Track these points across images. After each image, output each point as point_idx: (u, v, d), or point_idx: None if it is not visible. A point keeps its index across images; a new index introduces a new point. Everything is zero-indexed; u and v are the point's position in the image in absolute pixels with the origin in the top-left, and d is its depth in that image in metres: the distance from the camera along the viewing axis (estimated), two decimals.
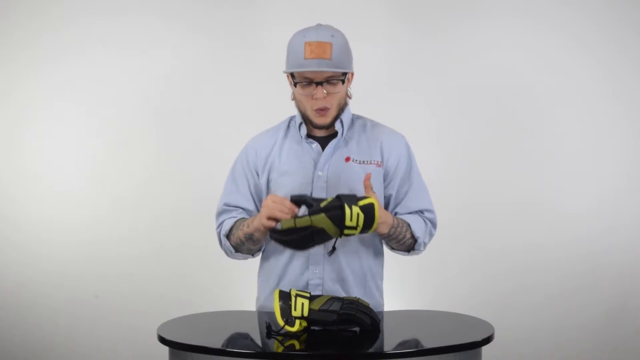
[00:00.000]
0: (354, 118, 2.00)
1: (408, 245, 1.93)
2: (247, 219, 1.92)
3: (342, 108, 1.92)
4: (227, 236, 1.93)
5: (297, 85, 1.86)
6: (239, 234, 1.89)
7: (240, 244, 1.91)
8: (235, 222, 1.93)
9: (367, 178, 1.78)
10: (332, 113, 1.89)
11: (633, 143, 3.26)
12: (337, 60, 1.82)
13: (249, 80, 3.28)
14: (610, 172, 3.25)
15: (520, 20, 3.27)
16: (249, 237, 1.87)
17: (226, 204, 1.98)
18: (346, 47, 1.87)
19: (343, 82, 1.87)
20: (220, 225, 1.97)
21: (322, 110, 1.86)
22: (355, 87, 1.97)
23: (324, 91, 1.83)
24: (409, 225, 1.89)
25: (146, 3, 3.31)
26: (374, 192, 1.78)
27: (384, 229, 1.83)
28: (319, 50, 1.81)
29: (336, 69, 1.82)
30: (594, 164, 3.26)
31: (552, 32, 3.26)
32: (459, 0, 3.30)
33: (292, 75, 1.87)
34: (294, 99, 1.94)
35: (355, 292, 1.91)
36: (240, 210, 1.97)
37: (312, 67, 1.81)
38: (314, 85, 1.83)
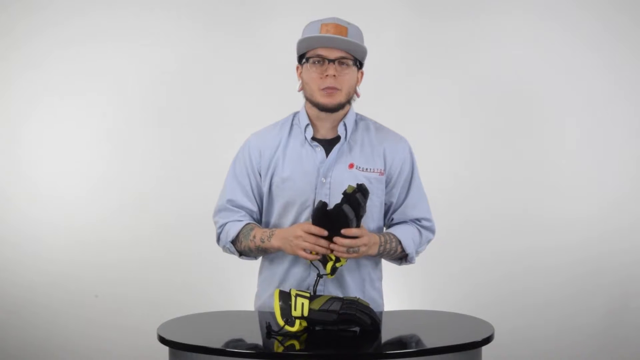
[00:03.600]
0: (357, 119, 1.99)
1: (399, 257, 1.94)
2: (256, 227, 1.91)
3: (349, 100, 1.91)
4: (233, 242, 1.92)
5: (308, 65, 1.86)
6: (249, 244, 1.89)
7: (249, 251, 1.92)
8: (242, 228, 1.91)
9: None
10: (340, 97, 1.87)
11: (635, 146, 3.26)
12: (350, 45, 1.84)
13: (254, 81, 3.27)
14: (611, 175, 3.25)
15: (529, 17, 3.27)
16: (263, 250, 1.89)
17: (230, 201, 1.96)
18: (361, 39, 1.88)
19: (356, 64, 1.87)
20: (222, 226, 1.96)
21: (331, 89, 1.85)
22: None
23: (335, 70, 1.83)
24: (399, 241, 1.90)
25: None
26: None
27: (373, 252, 1.84)
28: (336, 30, 1.84)
29: (351, 46, 1.83)
30: (595, 167, 3.26)
31: (561, 31, 3.26)
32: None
33: (300, 59, 1.89)
34: (301, 89, 1.93)
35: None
36: (244, 213, 1.95)
37: (327, 39, 1.81)
38: (326, 62, 1.83)
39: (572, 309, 3.22)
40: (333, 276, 1.78)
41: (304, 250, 1.75)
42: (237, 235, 1.91)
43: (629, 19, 3.24)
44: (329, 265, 1.75)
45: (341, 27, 1.84)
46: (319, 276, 1.76)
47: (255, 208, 1.96)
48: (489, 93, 3.28)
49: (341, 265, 1.77)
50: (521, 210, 3.25)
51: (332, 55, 1.83)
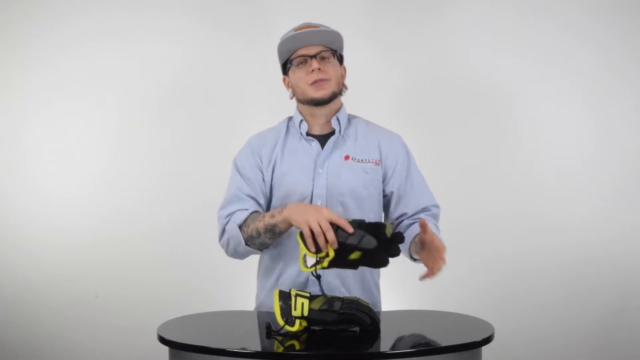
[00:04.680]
0: (350, 117, 2.04)
1: None
2: (261, 213, 1.88)
3: (340, 90, 1.96)
4: (241, 227, 1.87)
5: (293, 68, 1.93)
6: (258, 225, 1.82)
7: (256, 236, 1.84)
8: (251, 214, 1.88)
9: (423, 225, 1.70)
10: (331, 86, 1.93)
11: (636, 147, 3.25)
12: (328, 34, 1.92)
13: (257, 83, 3.26)
14: (611, 176, 3.24)
15: (527, 17, 3.26)
16: (270, 229, 1.81)
17: (239, 189, 1.93)
18: (337, 34, 1.95)
19: (336, 56, 1.94)
20: (229, 215, 1.90)
21: (320, 82, 1.90)
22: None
23: (318, 63, 1.90)
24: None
25: None
26: (434, 235, 1.71)
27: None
28: (308, 27, 1.93)
29: (326, 36, 1.91)
30: (595, 168, 3.25)
31: (560, 31, 3.25)
32: None
33: (284, 68, 1.97)
34: (293, 96, 2.00)
35: (355, 290, 1.93)
36: (253, 202, 1.92)
37: (303, 34, 1.90)
38: (309, 59, 1.91)
39: (572, 309, 3.22)
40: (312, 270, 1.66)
41: (311, 231, 1.62)
42: (245, 220, 1.87)
43: (629, 18, 3.24)
44: (318, 267, 1.63)
45: (313, 27, 1.93)
46: (317, 277, 1.68)
47: (262, 201, 1.95)
48: (488, 93, 3.28)
49: (321, 268, 1.66)
50: (521, 211, 3.24)
51: (312, 51, 1.91)
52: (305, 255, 1.66)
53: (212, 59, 3.30)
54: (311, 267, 1.63)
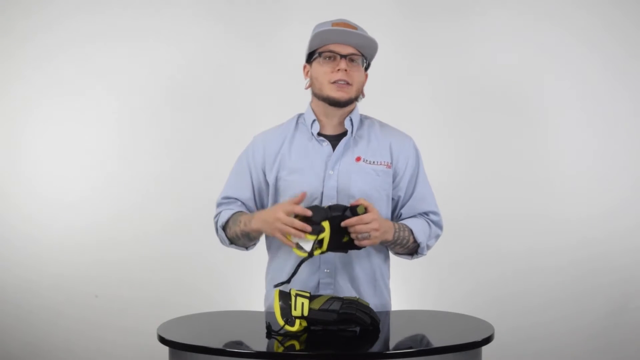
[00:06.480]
0: (363, 118, 2.02)
1: (412, 249, 1.93)
2: (244, 213, 1.93)
3: (357, 96, 1.94)
4: (224, 228, 1.95)
5: (320, 60, 1.89)
6: (236, 229, 1.91)
7: (237, 238, 1.94)
8: (233, 214, 1.94)
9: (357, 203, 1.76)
10: (352, 92, 1.90)
11: (637, 146, 3.25)
12: (364, 39, 1.88)
13: (259, 83, 3.26)
14: (612, 176, 3.24)
15: (527, 17, 3.26)
16: (246, 235, 1.90)
17: (225, 197, 2.00)
18: (373, 41, 1.91)
19: (364, 65, 1.92)
20: (217, 215, 2.00)
21: (342, 84, 1.88)
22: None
23: (346, 65, 1.87)
24: (411, 230, 1.90)
25: None
26: (369, 204, 1.76)
27: (389, 236, 1.84)
28: (346, 26, 1.89)
29: (365, 41, 1.87)
30: (596, 168, 3.25)
31: (559, 31, 3.25)
32: None
33: (309, 57, 1.93)
34: (308, 86, 1.96)
35: (366, 291, 1.92)
36: (240, 203, 1.99)
37: (343, 33, 1.85)
38: (338, 58, 1.88)
39: (572, 309, 3.22)
40: (309, 256, 1.72)
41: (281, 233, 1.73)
42: (227, 222, 1.94)
43: (629, 18, 3.24)
44: (317, 251, 1.70)
45: (351, 27, 1.90)
46: (310, 255, 1.70)
47: (251, 203, 1.99)
48: (490, 93, 3.28)
49: (320, 253, 1.72)
50: (522, 210, 3.24)
51: (344, 51, 1.88)
52: (297, 244, 1.73)
53: (213, 59, 3.30)
54: (310, 251, 1.69)
